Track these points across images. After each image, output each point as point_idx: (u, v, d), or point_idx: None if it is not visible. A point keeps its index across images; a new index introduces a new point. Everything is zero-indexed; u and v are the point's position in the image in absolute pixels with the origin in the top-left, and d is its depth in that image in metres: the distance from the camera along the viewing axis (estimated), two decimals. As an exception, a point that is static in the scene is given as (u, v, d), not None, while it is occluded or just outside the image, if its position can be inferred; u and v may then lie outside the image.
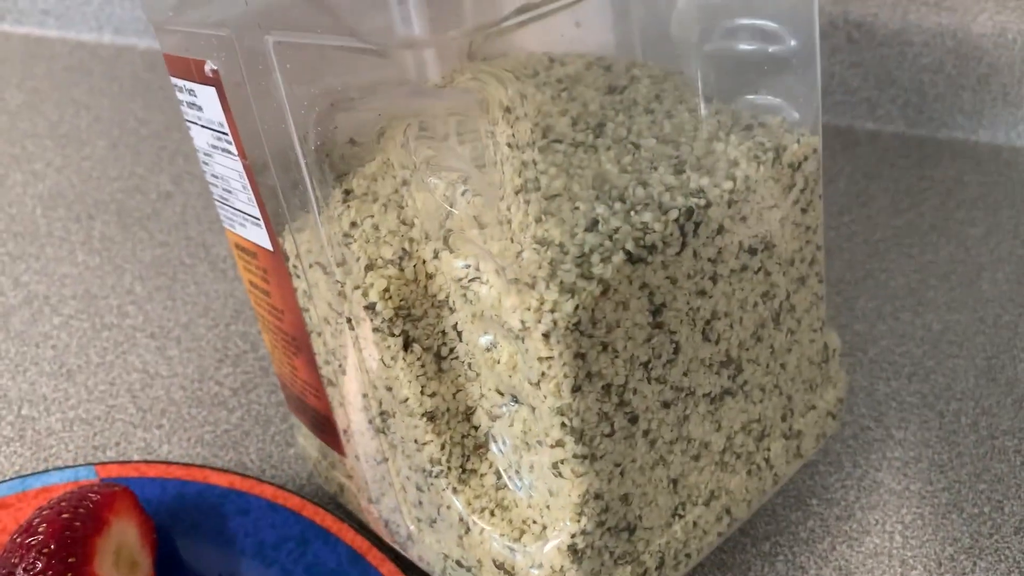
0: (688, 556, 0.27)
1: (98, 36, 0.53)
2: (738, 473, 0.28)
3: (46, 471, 0.34)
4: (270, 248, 0.27)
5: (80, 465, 0.33)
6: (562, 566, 0.24)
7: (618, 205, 0.23)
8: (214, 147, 0.27)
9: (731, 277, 0.25)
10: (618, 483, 0.24)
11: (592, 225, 0.22)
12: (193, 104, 0.26)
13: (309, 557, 0.31)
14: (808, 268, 0.28)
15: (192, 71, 0.25)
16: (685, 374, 0.25)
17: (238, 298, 0.41)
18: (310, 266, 0.25)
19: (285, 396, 0.33)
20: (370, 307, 0.24)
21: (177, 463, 0.34)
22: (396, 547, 0.30)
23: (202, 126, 0.27)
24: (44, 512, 0.28)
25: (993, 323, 0.43)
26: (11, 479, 0.33)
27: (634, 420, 0.24)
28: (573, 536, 0.24)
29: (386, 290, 0.24)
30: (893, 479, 0.36)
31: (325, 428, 0.31)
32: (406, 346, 0.24)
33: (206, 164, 0.28)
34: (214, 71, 0.24)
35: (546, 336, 0.21)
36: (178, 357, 0.39)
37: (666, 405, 0.25)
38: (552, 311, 0.21)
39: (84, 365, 0.39)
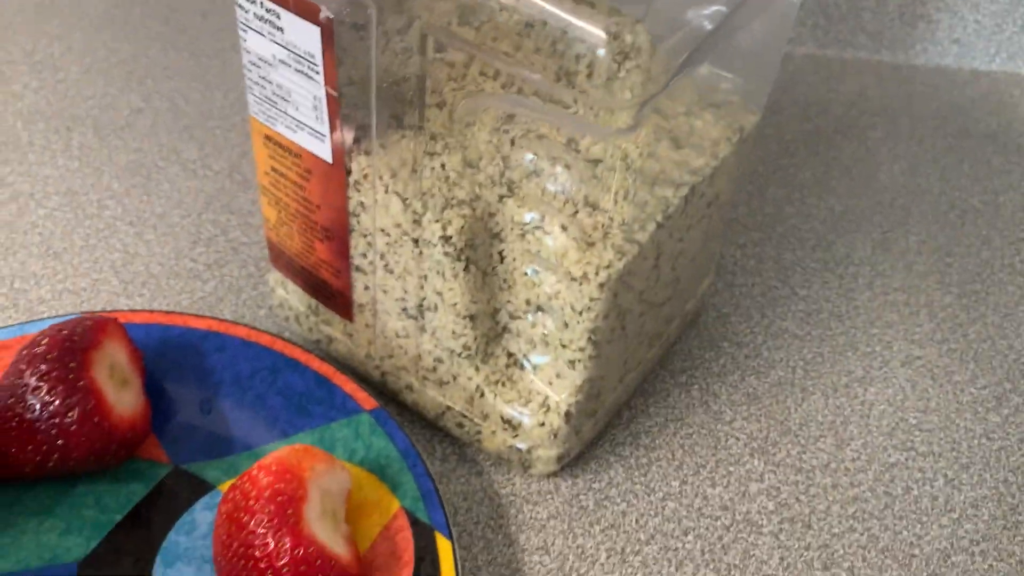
0: (623, 402, 0.38)
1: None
2: (654, 347, 0.38)
3: (41, 319, 0.37)
4: (328, 160, 0.31)
5: (71, 314, 0.36)
6: (558, 424, 0.33)
7: (640, 178, 0.29)
8: (284, 63, 0.30)
9: (698, 225, 0.34)
10: (603, 369, 0.33)
11: (628, 196, 0.29)
12: (271, 23, 0.29)
13: (280, 383, 0.35)
14: (730, 201, 0.37)
15: (290, 3, 0.28)
16: (656, 293, 0.34)
17: (208, 193, 0.45)
18: (385, 191, 0.30)
19: (275, 258, 0.37)
20: (446, 238, 0.30)
21: (159, 311, 0.38)
22: (387, 393, 0.37)
23: (274, 41, 0.29)
24: (45, 333, 0.32)
25: (889, 205, 0.49)
26: (10, 325, 0.36)
27: (624, 328, 0.33)
28: (569, 405, 0.33)
29: (461, 227, 0.30)
30: (796, 326, 0.41)
31: (333, 298, 0.36)
32: (466, 267, 0.31)
33: (259, 67, 0.31)
34: (328, 19, 0.27)
35: (601, 285, 0.29)
36: (155, 240, 0.43)
37: (642, 315, 0.34)
38: (607, 267, 0.29)
39: (69, 247, 0.42)
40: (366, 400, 0.35)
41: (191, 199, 0.45)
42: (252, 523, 0.28)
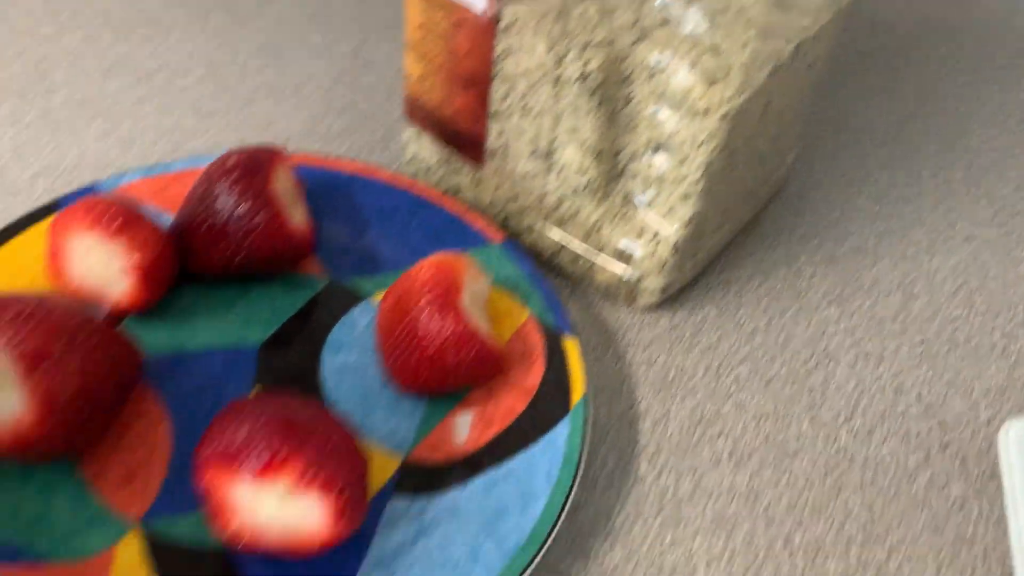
0: (716, 253, 0.42)
1: None
2: (747, 205, 0.42)
3: (209, 154, 0.42)
4: (479, 11, 0.35)
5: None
6: (666, 255, 0.38)
7: (751, 32, 0.33)
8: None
9: (798, 86, 0.38)
10: (708, 209, 0.38)
11: (747, 41, 0.33)
12: None
13: (419, 219, 0.40)
14: (822, 73, 0.41)
15: None
16: (759, 143, 0.38)
17: (335, 72, 0.50)
18: (533, 35, 0.35)
19: (413, 112, 0.42)
20: (584, 77, 0.35)
21: (312, 154, 0.43)
22: (506, 232, 0.42)
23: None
24: (232, 153, 0.37)
25: (953, 111, 0.53)
26: (182, 159, 0.41)
27: (731, 171, 0.37)
28: (677, 238, 0.38)
29: (598, 66, 0.34)
30: (869, 204, 0.46)
31: (467, 145, 0.40)
32: (599, 105, 0.35)
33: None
34: None
35: (722, 117, 0.33)
36: (291, 109, 0.48)
37: (746, 162, 0.38)
38: (728, 102, 0.33)
39: (216, 110, 0.47)
40: (496, 234, 0.39)
41: (320, 76, 0.50)
42: (415, 308, 0.33)
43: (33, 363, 0.28)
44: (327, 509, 0.28)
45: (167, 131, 0.46)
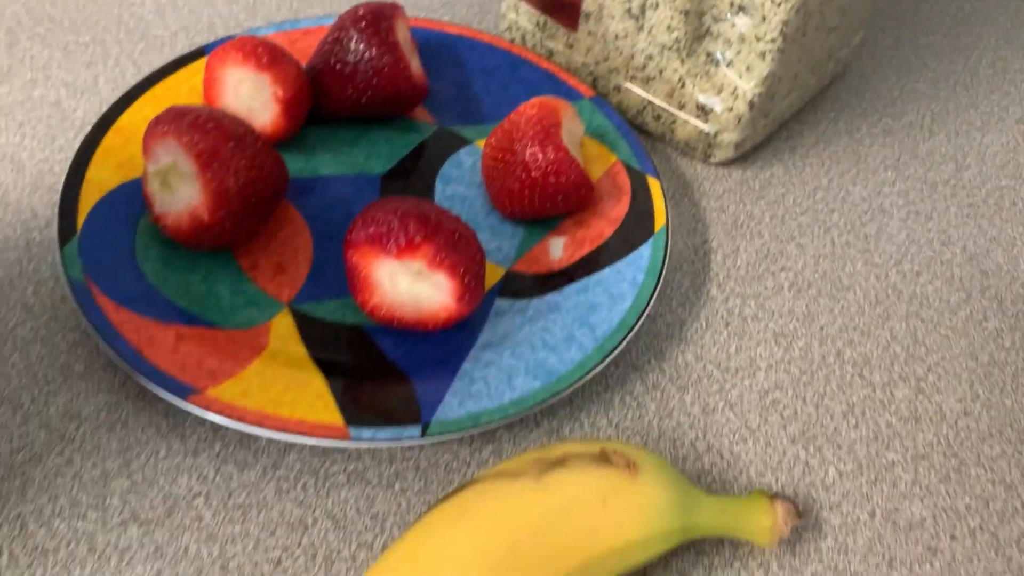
0: (786, 119, 0.46)
1: None
2: (815, 75, 0.46)
3: (330, 16, 0.47)
4: None
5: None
6: (743, 110, 0.42)
7: None
8: None
9: None
10: (783, 70, 0.42)
11: None
12: None
13: (518, 75, 0.45)
14: None
15: None
16: (830, 15, 0.42)
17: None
18: None
19: None
20: None
21: (420, 18, 0.47)
22: (595, 91, 0.45)
23: None
24: (362, 4, 0.41)
25: (1015, 10, 0.56)
26: (310, 18, 0.46)
27: (804, 35, 0.41)
28: (754, 95, 0.42)
29: None
30: (927, 87, 0.52)
31: (563, 9, 0.45)
32: None
33: None
34: None
35: None
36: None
37: (816, 30, 0.42)
38: None
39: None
40: (587, 90, 0.44)
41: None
42: (520, 140, 0.38)
43: (208, 160, 0.34)
44: (451, 288, 0.33)
45: (287, 0, 0.51)
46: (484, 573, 0.26)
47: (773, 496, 0.31)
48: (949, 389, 0.37)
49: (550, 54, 0.47)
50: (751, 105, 0.42)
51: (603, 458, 0.29)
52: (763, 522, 0.30)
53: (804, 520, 0.33)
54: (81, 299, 0.33)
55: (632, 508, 0.29)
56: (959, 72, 0.52)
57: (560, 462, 0.29)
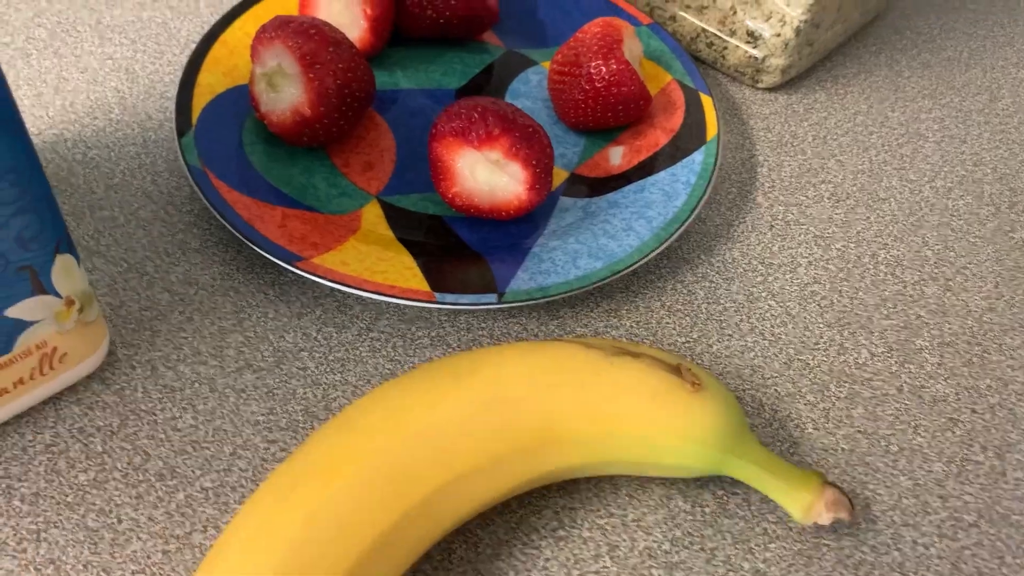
0: (829, 50, 0.50)
1: None
2: (856, 10, 0.49)
3: None
4: None
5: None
6: (790, 36, 0.46)
7: None
8: None
9: None
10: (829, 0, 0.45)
11: None
12: None
13: (579, 5, 0.48)
14: None
15: None
16: None
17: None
18: None
19: None
20: None
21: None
22: (653, 19, 0.49)
23: None
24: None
25: None
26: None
27: None
28: (800, 21, 0.45)
29: None
30: (965, 26, 0.54)
31: None
32: None
33: None
34: None
35: None
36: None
37: None
38: None
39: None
40: (644, 18, 0.48)
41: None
42: (584, 55, 0.42)
43: (310, 62, 0.38)
44: (524, 178, 0.37)
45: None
46: (534, 388, 0.30)
47: (830, 482, 0.31)
48: (975, 288, 0.40)
49: (610, -13, 0.51)
50: (797, 31, 0.45)
51: (675, 369, 0.31)
52: (805, 497, 0.30)
53: (854, 518, 0.32)
54: (199, 181, 0.37)
55: (677, 415, 0.30)
56: (997, 12, 0.55)
57: (634, 355, 0.32)
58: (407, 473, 0.28)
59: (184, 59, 0.46)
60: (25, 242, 0.28)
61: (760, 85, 0.48)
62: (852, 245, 0.42)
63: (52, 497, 0.31)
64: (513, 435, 0.29)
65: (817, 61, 0.50)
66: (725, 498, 0.33)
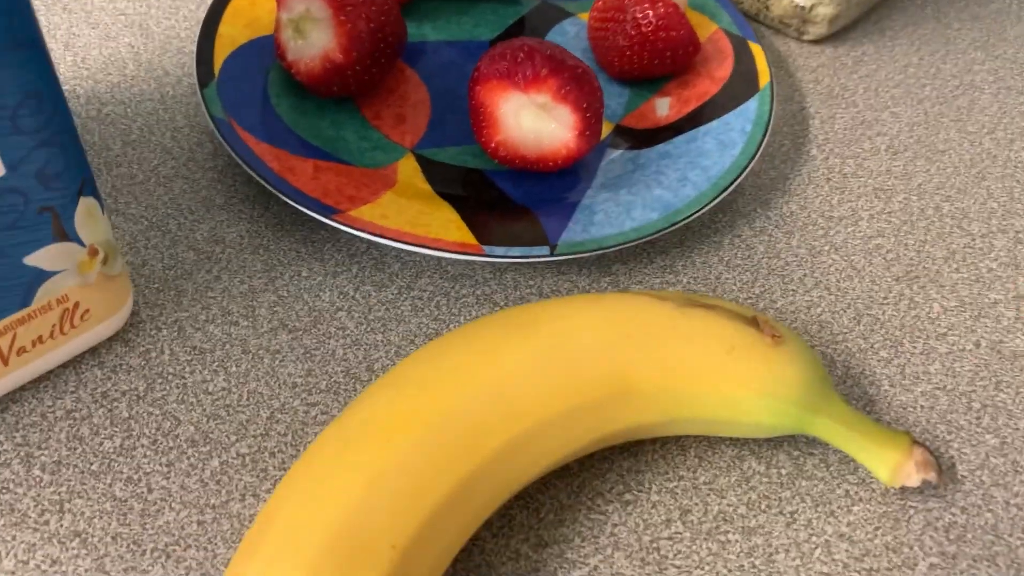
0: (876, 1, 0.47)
1: None
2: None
3: None
4: None
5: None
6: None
7: None
8: None
9: None
10: None
11: None
12: None
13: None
14: None
15: None
16: None
17: None
18: None
19: None
20: None
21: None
22: None
23: None
24: None
25: None
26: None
27: None
28: None
29: None
30: None
31: None
32: None
33: None
34: None
35: None
36: None
37: None
38: None
39: None
40: (684, -32, 0.45)
41: None
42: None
43: (341, 4, 0.36)
44: (573, 122, 0.34)
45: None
46: (606, 343, 0.27)
47: (918, 441, 0.29)
48: (1047, 241, 0.38)
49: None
50: (848, -23, 0.43)
51: (752, 322, 0.29)
52: (893, 457, 0.28)
53: (942, 480, 0.29)
54: (225, 133, 0.35)
55: (757, 369, 0.28)
56: (1043, -33, 0.52)
57: (708, 307, 0.29)
58: (473, 430, 0.25)
59: (200, 14, 0.44)
60: (47, 179, 0.25)
61: (806, 37, 0.45)
62: (914, 198, 0.39)
63: (75, 465, 0.28)
64: (583, 389, 0.27)
65: (863, 13, 0.47)
66: (801, 459, 0.31)
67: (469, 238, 0.33)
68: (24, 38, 0.23)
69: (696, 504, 0.29)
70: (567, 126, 0.34)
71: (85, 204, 0.27)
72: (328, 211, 0.33)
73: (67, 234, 0.27)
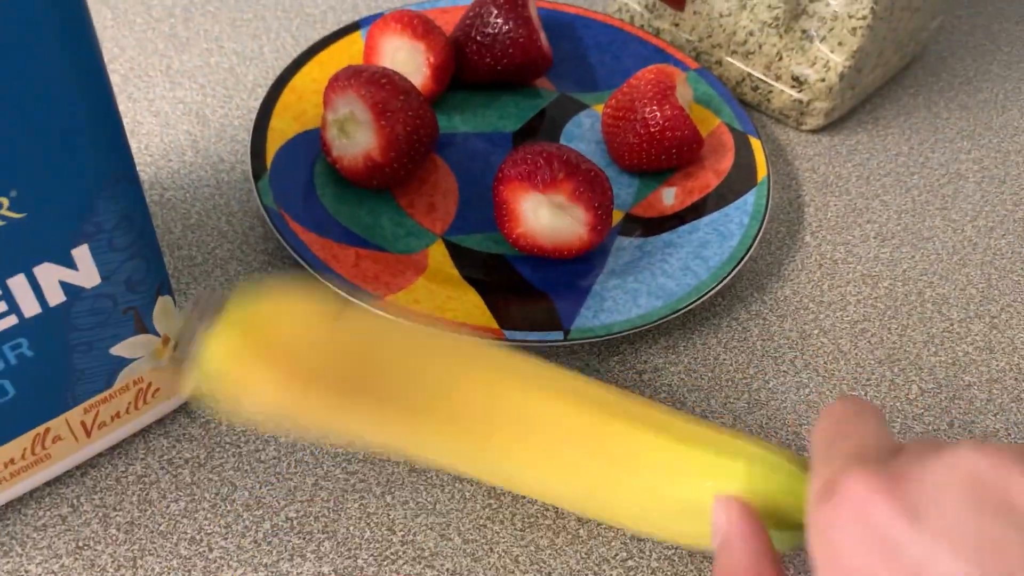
0: (869, 93, 0.51)
1: None
2: (896, 55, 0.51)
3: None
4: None
5: None
6: (834, 81, 0.47)
7: None
8: None
9: None
10: (870, 46, 0.47)
11: None
12: None
13: (630, 49, 0.50)
14: None
15: None
16: None
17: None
18: None
19: None
20: None
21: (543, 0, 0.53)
22: (699, 64, 0.50)
23: None
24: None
25: None
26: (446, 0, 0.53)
27: (891, 15, 0.46)
28: (844, 67, 0.47)
29: None
30: (1000, 70, 0.56)
31: None
32: None
33: None
34: None
35: None
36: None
37: (903, 10, 0.47)
38: None
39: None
40: (692, 62, 0.49)
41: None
42: (639, 100, 0.43)
43: (382, 110, 0.40)
44: (586, 219, 0.38)
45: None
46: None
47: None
48: (1021, 325, 0.42)
49: (657, 32, 0.52)
50: (841, 76, 0.47)
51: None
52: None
53: None
54: (276, 223, 0.39)
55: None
56: (1031, 56, 0.56)
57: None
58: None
59: (252, 103, 0.48)
60: (133, 285, 0.29)
61: (804, 127, 0.49)
62: (899, 283, 0.43)
63: (146, 526, 0.33)
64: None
65: (858, 103, 0.51)
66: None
67: (491, 322, 0.37)
68: (122, 172, 0.27)
69: (691, 571, 0.33)
70: (580, 222, 0.39)
71: (162, 302, 0.31)
72: (371, 297, 0.37)
73: (146, 328, 0.31)
